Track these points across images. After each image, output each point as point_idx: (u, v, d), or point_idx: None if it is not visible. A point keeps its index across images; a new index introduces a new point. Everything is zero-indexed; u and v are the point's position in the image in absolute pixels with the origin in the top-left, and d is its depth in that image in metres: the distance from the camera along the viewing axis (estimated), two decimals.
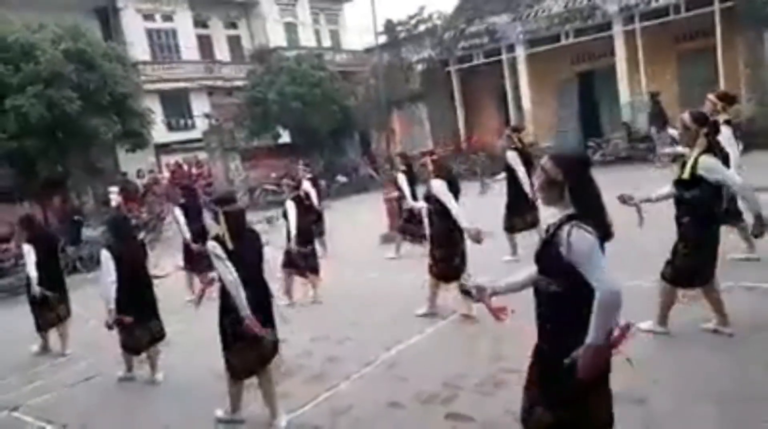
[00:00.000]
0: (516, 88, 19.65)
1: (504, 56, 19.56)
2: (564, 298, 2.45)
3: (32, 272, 6.47)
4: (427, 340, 5.42)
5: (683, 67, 17.41)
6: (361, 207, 15.71)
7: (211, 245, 3.96)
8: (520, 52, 19.26)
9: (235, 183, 21.08)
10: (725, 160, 4.59)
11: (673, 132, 7.27)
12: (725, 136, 5.35)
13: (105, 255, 5.21)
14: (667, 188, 4.50)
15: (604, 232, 2.46)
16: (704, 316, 4.55)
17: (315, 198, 9.54)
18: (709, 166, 4.16)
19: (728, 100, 5.97)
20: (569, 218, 2.41)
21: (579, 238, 2.34)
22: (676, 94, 17.02)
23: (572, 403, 2.51)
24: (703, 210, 4.23)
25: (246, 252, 4.03)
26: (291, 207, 7.23)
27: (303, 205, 7.51)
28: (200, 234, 8.12)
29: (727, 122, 5.69)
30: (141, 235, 14.12)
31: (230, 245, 3.93)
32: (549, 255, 2.46)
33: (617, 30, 17.32)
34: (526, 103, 19.44)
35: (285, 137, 24.66)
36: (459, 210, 5.60)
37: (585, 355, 2.37)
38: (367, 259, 9.25)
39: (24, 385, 5.94)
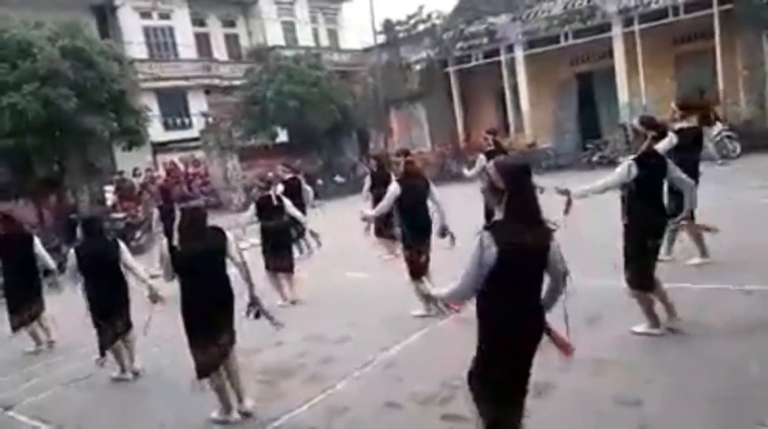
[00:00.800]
0: (515, 88, 19.67)
1: (503, 57, 19.57)
2: (480, 297, 2.70)
3: None
4: (425, 340, 5.40)
5: (682, 69, 17.45)
6: (357, 207, 15.68)
7: (162, 244, 4.11)
8: (519, 53, 19.27)
9: (232, 182, 21.04)
10: (660, 167, 4.60)
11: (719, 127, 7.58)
12: (663, 142, 5.50)
13: (71, 255, 5.41)
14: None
15: (531, 240, 2.60)
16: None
17: (276, 199, 9.53)
18: (617, 169, 4.46)
19: (687, 109, 6.16)
20: (490, 225, 2.63)
21: (477, 242, 2.58)
22: (675, 96, 17.02)
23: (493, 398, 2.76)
24: (633, 209, 4.42)
25: (198, 249, 4.06)
26: (251, 208, 7.51)
27: (270, 206, 7.49)
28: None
29: (679, 131, 5.88)
30: (137, 235, 14.13)
31: (176, 241, 4.01)
32: None
33: (616, 31, 17.35)
34: (525, 103, 19.47)
35: (282, 136, 24.61)
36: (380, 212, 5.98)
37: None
38: (363, 260, 9.22)
39: (19, 384, 5.90)
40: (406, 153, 6.05)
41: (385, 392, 4.39)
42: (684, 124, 6.04)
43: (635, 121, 4.65)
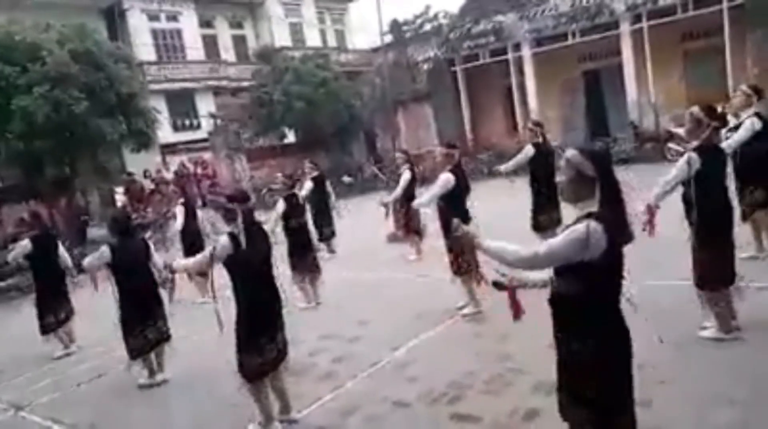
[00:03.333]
0: (522, 87, 19.63)
1: (510, 55, 19.52)
2: (574, 298, 2.38)
3: (13, 258, 6.77)
4: (435, 340, 5.40)
5: (691, 67, 17.34)
6: (366, 207, 15.70)
7: (224, 240, 3.88)
8: (527, 51, 19.21)
9: (240, 183, 21.12)
10: (723, 158, 4.38)
11: None
12: (745, 127, 5.36)
13: (104, 252, 5.22)
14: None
15: (624, 232, 2.39)
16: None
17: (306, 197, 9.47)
18: (677, 164, 4.16)
19: (760, 92, 5.79)
20: (588, 215, 2.31)
21: (583, 230, 2.25)
22: (684, 93, 16.93)
23: (594, 401, 2.47)
24: (699, 207, 4.11)
25: (262, 250, 4.05)
26: (280, 204, 7.26)
27: (296, 205, 7.43)
28: (194, 235, 8.16)
29: (757, 115, 5.55)
30: (147, 235, 14.21)
31: (243, 243, 3.86)
32: None
33: (624, 29, 17.26)
34: (532, 102, 19.40)
35: (290, 137, 24.66)
36: (428, 198, 5.73)
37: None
38: (378, 259, 9.22)
39: (31, 384, 5.95)
40: (455, 146, 6.05)
41: (395, 392, 4.40)
42: (758, 109, 5.59)
43: (696, 109, 4.22)
